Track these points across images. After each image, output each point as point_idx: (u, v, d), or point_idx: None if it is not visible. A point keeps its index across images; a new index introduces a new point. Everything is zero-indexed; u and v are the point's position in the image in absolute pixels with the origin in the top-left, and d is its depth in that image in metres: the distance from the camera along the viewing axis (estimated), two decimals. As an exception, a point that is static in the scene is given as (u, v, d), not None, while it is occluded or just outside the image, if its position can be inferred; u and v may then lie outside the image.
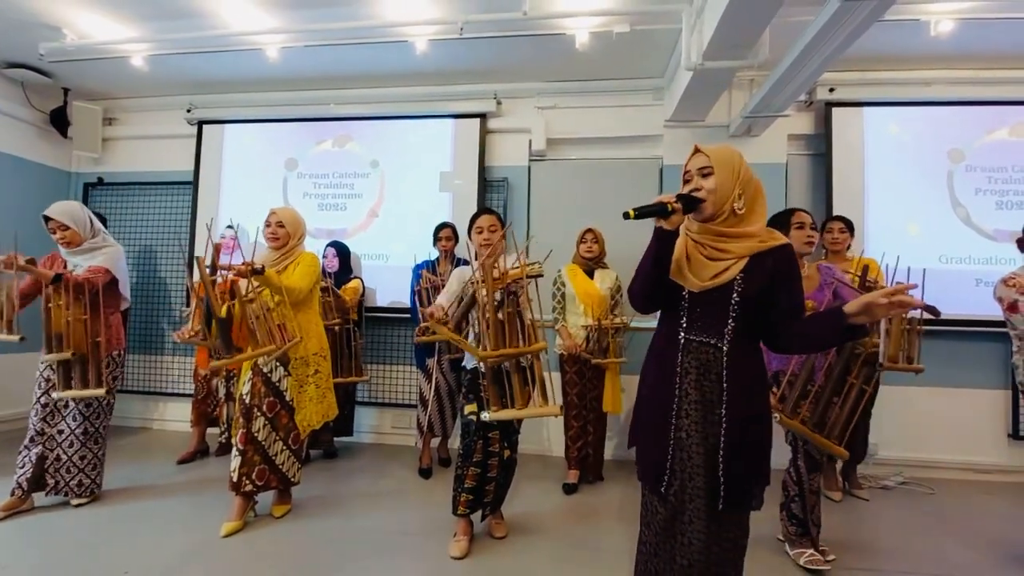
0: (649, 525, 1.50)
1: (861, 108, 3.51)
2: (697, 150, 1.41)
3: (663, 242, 1.35)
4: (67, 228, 2.46)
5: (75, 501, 2.55)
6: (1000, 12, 2.82)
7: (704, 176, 1.37)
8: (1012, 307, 2.14)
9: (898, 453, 3.33)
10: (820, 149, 3.59)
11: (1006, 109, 3.42)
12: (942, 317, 2.16)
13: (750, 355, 1.40)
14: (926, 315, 2.13)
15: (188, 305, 2.55)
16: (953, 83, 3.46)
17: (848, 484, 3.03)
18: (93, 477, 2.58)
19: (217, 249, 2.23)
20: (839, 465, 3.03)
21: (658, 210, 1.30)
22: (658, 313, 1.51)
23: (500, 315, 1.96)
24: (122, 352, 2.66)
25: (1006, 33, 3.02)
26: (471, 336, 2.24)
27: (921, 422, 3.36)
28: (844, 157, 3.49)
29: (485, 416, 2.01)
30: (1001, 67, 3.39)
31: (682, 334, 1.41)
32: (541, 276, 2.09)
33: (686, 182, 1.42)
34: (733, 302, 1.35)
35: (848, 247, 3.01)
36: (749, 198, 1.37)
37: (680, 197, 1.33)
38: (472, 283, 2.12)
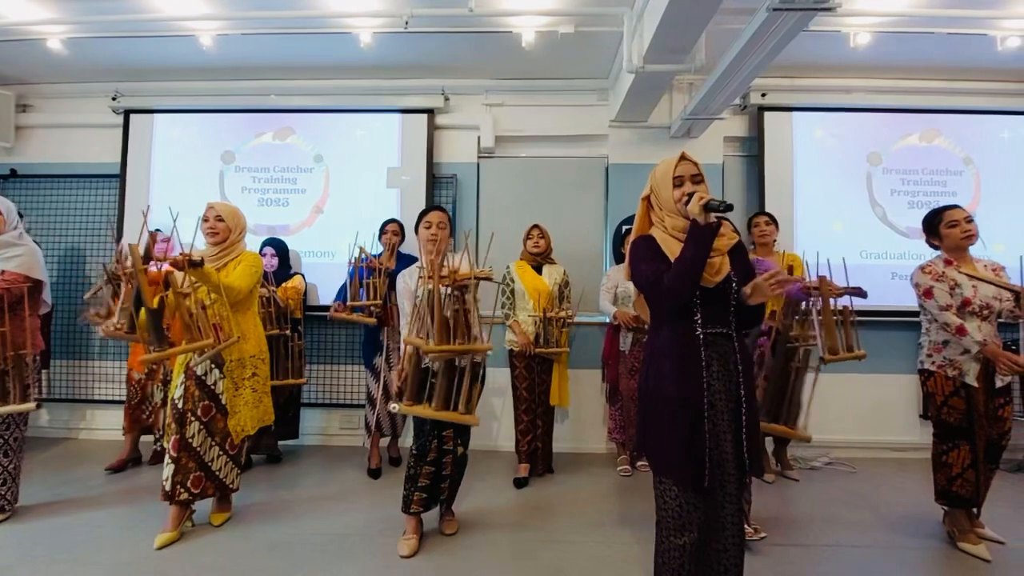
0: (686, 526, 1.48)
1: (790, 113, 3.73)
2: (684, 157, 1.55)
3: (715, 233, 1.47)
4: None
5: (-11, 520, 2.36)
6: (911, 27, 3.06)
7: (696, 182, 1.52)
8: (927, 293, 2.28)
9: (824, 436, 3.55)
10: (753, 151, 3.79)
11: (917, 117, 3.73)
12: (861, 308, 2.33)
13: (741, 339, 1.58)
14: (856, 301, 2.30)
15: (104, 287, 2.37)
16: (871, 92, 3.73)
17: (780, 466, 3.22)
18: (3, 492, 2.40)
19: (153, 237, 2.12)
20: (771, 448, 3.23)
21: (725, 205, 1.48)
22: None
23: (447, 312, 1.97)
24: (37, 357, 2.49)
25: (916, 47, 3.29)
26: (413, 331, 2.23)
27: (844, 407, 3.61)
28: (775, 159, 3.70)
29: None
30: (913, 77, 3.67)
31: (699, 330, 1.51)
32: (491, 280, 2.12)
33: (677, 186, 1.53)
34: (732, 292, 1.52)
35: (775, 241, 3.19)
36: None
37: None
38: (421, 278, 2.13)
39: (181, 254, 2.02)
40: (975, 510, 2.31)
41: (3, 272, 2.34)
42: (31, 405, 2.31)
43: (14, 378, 2.30)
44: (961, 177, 3.70)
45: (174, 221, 2.15)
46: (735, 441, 1.49)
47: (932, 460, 2.33)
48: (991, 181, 3.68)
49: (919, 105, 3.71)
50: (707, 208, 1.44)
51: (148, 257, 2.02)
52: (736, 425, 1.50)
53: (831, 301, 2.24)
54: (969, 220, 2.26)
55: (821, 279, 2.16)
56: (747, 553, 2.12)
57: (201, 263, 2.07)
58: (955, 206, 2.31)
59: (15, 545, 2.22)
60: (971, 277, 2.24)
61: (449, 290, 2.00)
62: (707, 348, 1.50)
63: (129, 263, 1.94)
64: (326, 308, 3.66)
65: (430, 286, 1.98)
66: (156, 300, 2.01)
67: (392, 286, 3.02)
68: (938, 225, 2.31)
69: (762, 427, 2.10)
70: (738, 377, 1.51)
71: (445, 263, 2.06)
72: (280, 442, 3.39)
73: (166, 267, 2.05)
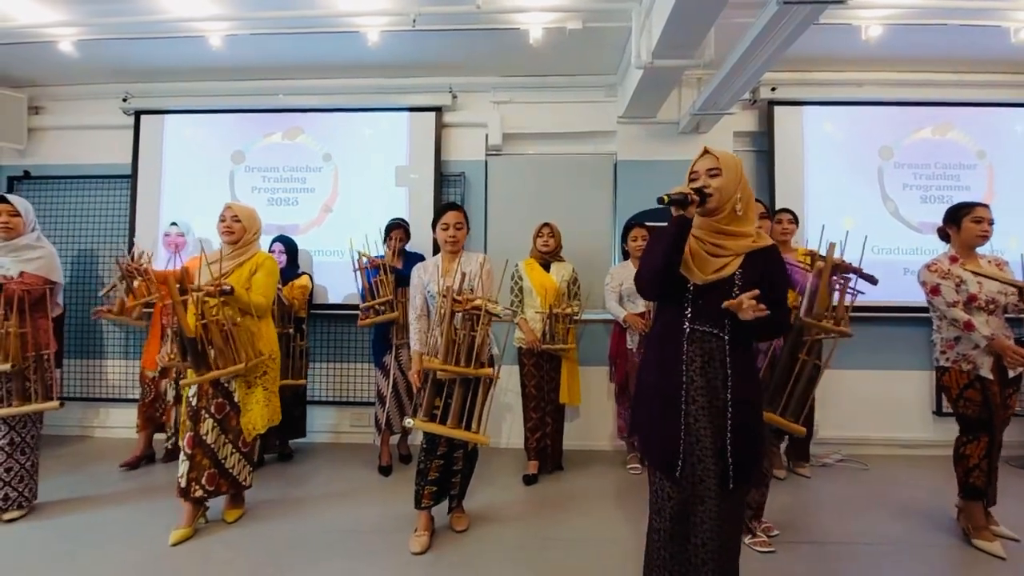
0: (661, 512, 1.54)
1: (801, 107, 3.69)
2: (706, 151, 1.54)
3: (683, 228, 1.46)
4: (17, 215, 2.44)
5: (7, 515, 2.40)
6: (923, 19, 3.02)
7: (711, 176, 1.50)
8: (934, 290, 2.30)
9: (836, 432, 3.54)
10: (764, 146, 3.75)
11: (929, 109, 3.67)
12: (874, 304, 2.31)
13: (746, 344, 1.53)
14: (867, 297, 2.28)
15: (118, 283, 2.56)
16: (882, 85, 3.69)
17: (791, 463, 3.21)
18: (21, 490, 2.44)
19: (184, 270, 2.26)
20: (783, 445, 3.21)
21: (681, 199, 1.43)
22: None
23: (455, 334, 2.08)
24: (50, 356, 2.53)
25: (929, 39, 3.24)
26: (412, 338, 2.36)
27: (856, 403, 3.58)
28: (786, 154, 3.66)
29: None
30: (925, 70, 3.63)
31: (687, 324, 1.51)
32: (499, 317, 2.18)
33: (692, 180, 1.54)
34: (734, 295, 1.46)
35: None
36: (746, 201, 1.51)
37: (694, 191, 1.46)
38: (433, 294, 2.24)
39: (212, 283, 2.14)
40: (988, 507, 2.30)
41: (22, 274, 2.38)
42: (55, 404, 2.38)
43: (36, 377, 2.36)
44: (975, 171, 3.65)
45: (184, 234, 2.28)
46: (716, 442, 1.46)
47: (953, 456, 2.33)
48: (1005, 174, 3.63)
49: (931, 98, 3.66)
50: (667, 203, 1.44)
51: (183, 290, 2.14)
52: (720, 427, 1.47)
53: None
54: (991, 223, 2.29)
55: (831, 246, 2.16)
56: (759, 551, 2.15)
57: (231, 291, 2.18)
58: (985, 205, 2.33)
59: (33, 541, 2.26)
60: (976, 273, 2.27)
61: (462, 314, 2.09)
62: (691, 344, 1.50)
63: (145, 260, 2.13)
64: (336, 307, 3.73)
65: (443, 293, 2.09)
66: (196, 328, 2.14)
67: (399, 283, 3.04)
68: (963, 217, 2.32)
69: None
70: (726, 380, 1.48)
71: (464, 280, 2.14)
72: (290, 440, 3.42)
73: (202, 295, 2.16)
